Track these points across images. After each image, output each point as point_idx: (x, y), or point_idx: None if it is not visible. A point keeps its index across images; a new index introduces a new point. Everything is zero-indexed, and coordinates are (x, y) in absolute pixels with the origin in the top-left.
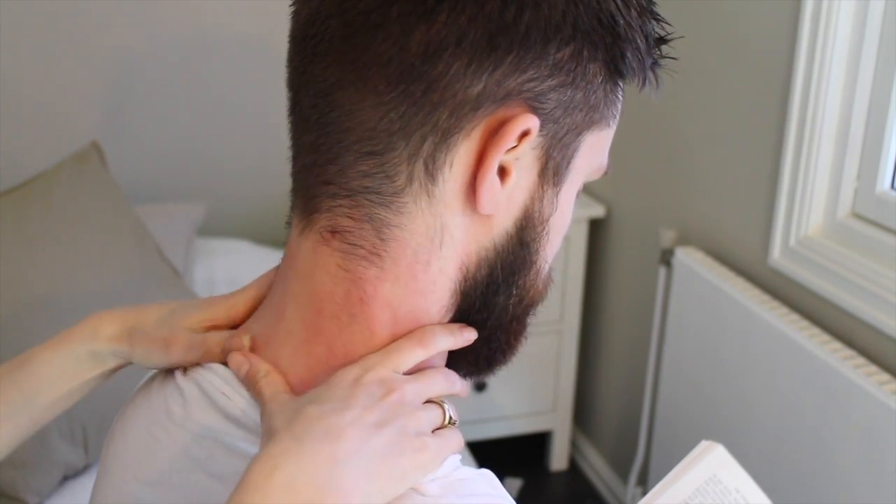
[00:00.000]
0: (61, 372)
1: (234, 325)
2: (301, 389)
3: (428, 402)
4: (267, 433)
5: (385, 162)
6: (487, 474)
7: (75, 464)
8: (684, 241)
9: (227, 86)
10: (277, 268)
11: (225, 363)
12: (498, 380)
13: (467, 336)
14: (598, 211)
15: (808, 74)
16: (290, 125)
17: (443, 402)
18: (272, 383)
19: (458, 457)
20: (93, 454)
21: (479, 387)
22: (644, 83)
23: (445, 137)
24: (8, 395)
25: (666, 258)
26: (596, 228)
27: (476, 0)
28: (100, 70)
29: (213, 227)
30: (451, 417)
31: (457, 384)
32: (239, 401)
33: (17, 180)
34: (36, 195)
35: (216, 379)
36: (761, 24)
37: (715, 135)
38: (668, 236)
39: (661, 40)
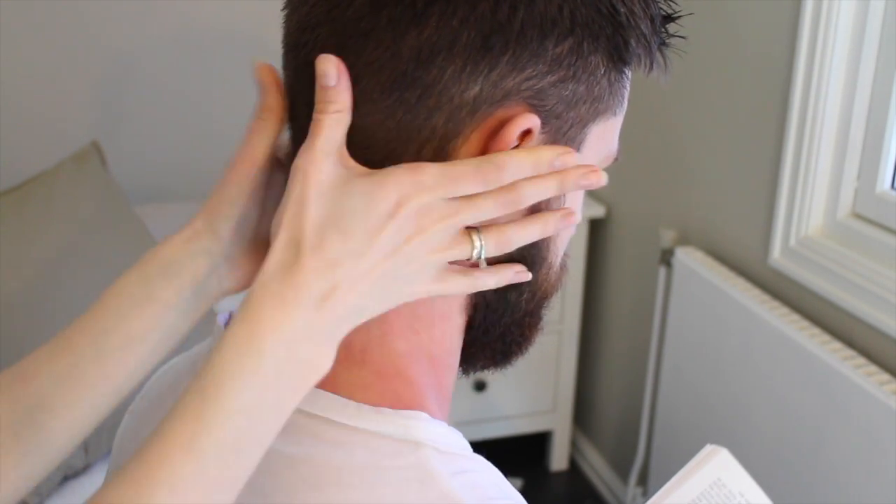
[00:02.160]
0: (132, 302)
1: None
2: None
3: (483, 230)
4: (290, 226)
5: None
6: (494, 472)
7: (75, 464)
8: (684, 241)
9: (227, 86)
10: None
11: None
12: (498, 380)
13: (560, 164)
14: (598, 211)
15: (809, 74)
16: (289, 132)
17: (480, 233)
18: (334, 132)
19: (458, 439)
20: (93, 454)
21: (479, 387)
22: (651, 67)
23: (444, 143)
24: (74, 341)
25: (666, 258)
26: (596, 228)
27: (467, 1)
28: (100, 70)
29: None
30: (482, 250)
31: (521, 200)
32: None
33: (17, 180)
34: (36, 195)
35: None
36: (761, 25)
37: (715, 135)
38: (668, 236)
39: (668, 18)
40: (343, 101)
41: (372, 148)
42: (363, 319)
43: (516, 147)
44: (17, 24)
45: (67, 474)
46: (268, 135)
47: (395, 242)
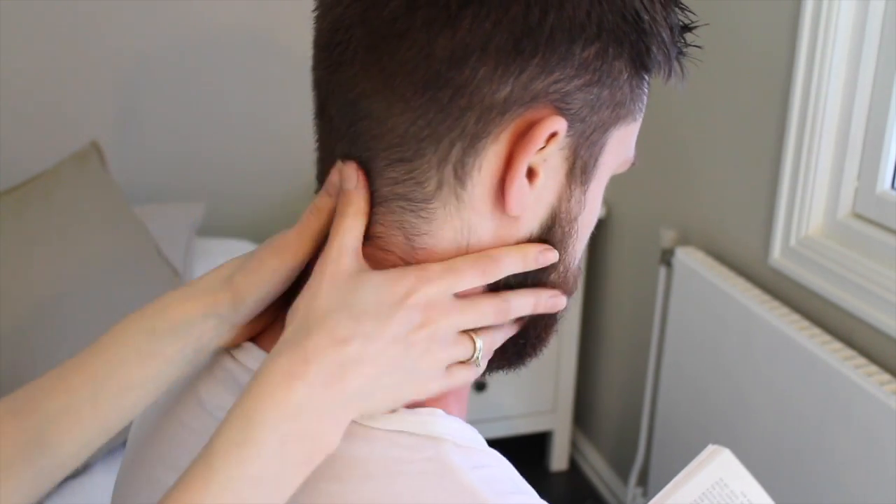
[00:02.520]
0: (136, 352)
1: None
2: None
3: (480, 333)
4: (301, 310)
5: (415, 168)
6: (508, 467)
7: None
8: (684, 241)
9: (227, 86)
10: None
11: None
12: (498, 380)
13: (543, 260)
14: None
15: (809, 74)
16: (316, 129)
17: (477, 335)
18: (352, 231)
19: (474, 434)
20: (93, 454)
21: (479, 387)
22: (670, 74)
23: (474, 142)
24: (71, 382)
25: (666, 258)
26: (596, 228)
27: (500, 4)
28: (100, 70)
29: (213, 227)
30: (479, 352)
31: (511, 311)
32: None
33: (17, 180)
34: (36, 195)
35: (243, 370)
36: (761, 25)
37: (715, 135)
38: (668, 236)
39: (686, 28)
40: (360, 204)
41: (403, 146)
42: (372, 407)
43: (542, 149)
44: (17, 24)
45: (67, 474)
46: (323, 230)
47: (405, 330)
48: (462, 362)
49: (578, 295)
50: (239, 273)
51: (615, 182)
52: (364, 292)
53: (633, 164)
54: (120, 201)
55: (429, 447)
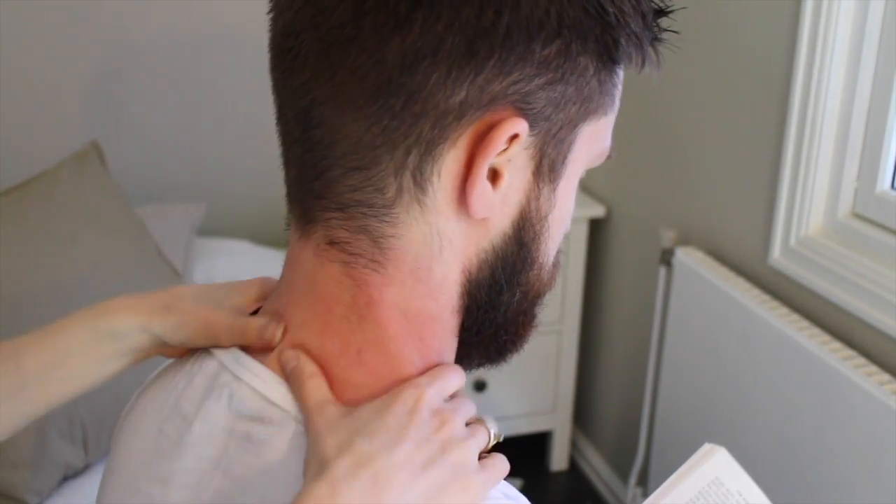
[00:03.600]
0: (80, 344)
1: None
2: None
3: (471, 422)
4: (315, 457)
5: (372, 176)
6: None
7: (75, 464)
8: (684, 241)
9: (227, 85)
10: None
11: (245, 348)
12: (498, 380)
13: None
14: (598, 211)
15: (809, 74)
16: (278, 134)
17: (485, 420)
18: (318, 388)
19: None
20: (93, 454)
21: (479, 387)
22: (643, 63)
23: (430, 148)
24: (24, 364)
25: (666, 258)
26: (596, 228)
27: (451, 6)
28: (100, 70)
29: (213, 227)
30: (495, 434)
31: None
32: (255, 382)
33: (17, 180)
34: (36, 195)
35: (233, 363)
36: (761, 25)
37: (715, 135)
38: (668, 236)
39: (660, 13)
40: (311, 366)
41: (359, 154)
42: None
43: (505, 151)
44: (17, 24)
45: (67, 474)
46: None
47: (426, 432)
48: (483, 455)
49: (578, 295)
50: (173, 311)
51: (615, 182)
52: (367, 417)
53: (609, 157)
54: (120, 201)
55: None
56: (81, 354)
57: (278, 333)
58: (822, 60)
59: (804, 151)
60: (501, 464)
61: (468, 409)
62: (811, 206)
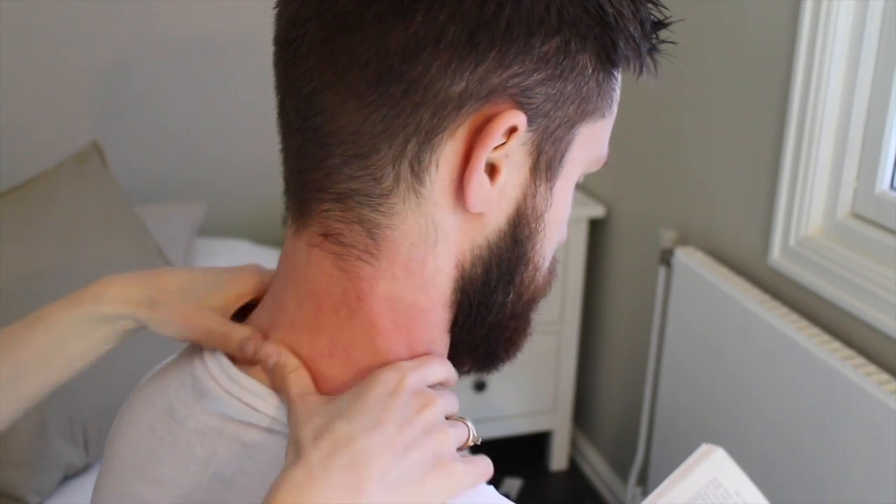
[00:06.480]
0: (73, 332)
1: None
2: None
3: (452, 418)
4: (293, 444)
5: (370, 164)
6: None
7: (75, 464)
8: (684, 241)
9: (227, 86)
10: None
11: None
12: (498, 380)
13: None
14: (598, 211)
15: (808, 74)
16: (278, 129)
17: (466, 420)
18: (300, 380)
19: (490, 488)
20: (93, 454)
21: (479, 386)
22: (641, 70)
23: (429, 137)
24: (19, 355)
25: (666, 258)
26: (596, 228)
27: None
28: (100, 70)
29: (213, 227)
30: (474, 436)
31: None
32: (243, 395)
33: (17, 180)
34: (36, 195)
35: (220, 374)
36: (761, 24)
37: (715, 135)
38: (668, 236)
39: (659, 24)
40: (293, 360)
41: (358, 142)
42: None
43: (504, 145)
44: (17, 25)
45: (67, 474)
46: (228, 339)
47: (406, 413)
48: (462, 448)
49: (578, 295)
50: (158, 308)
51: (615, 182)
52: (346, 400)
53: (605, 164)
54: (120, 201)
55: None
56: (76, 341)
57: (259, 351)
58: (822, 60)
59: (804, 152)
60: (484, 462)
61: (450, 400)
62: (810, 207)
